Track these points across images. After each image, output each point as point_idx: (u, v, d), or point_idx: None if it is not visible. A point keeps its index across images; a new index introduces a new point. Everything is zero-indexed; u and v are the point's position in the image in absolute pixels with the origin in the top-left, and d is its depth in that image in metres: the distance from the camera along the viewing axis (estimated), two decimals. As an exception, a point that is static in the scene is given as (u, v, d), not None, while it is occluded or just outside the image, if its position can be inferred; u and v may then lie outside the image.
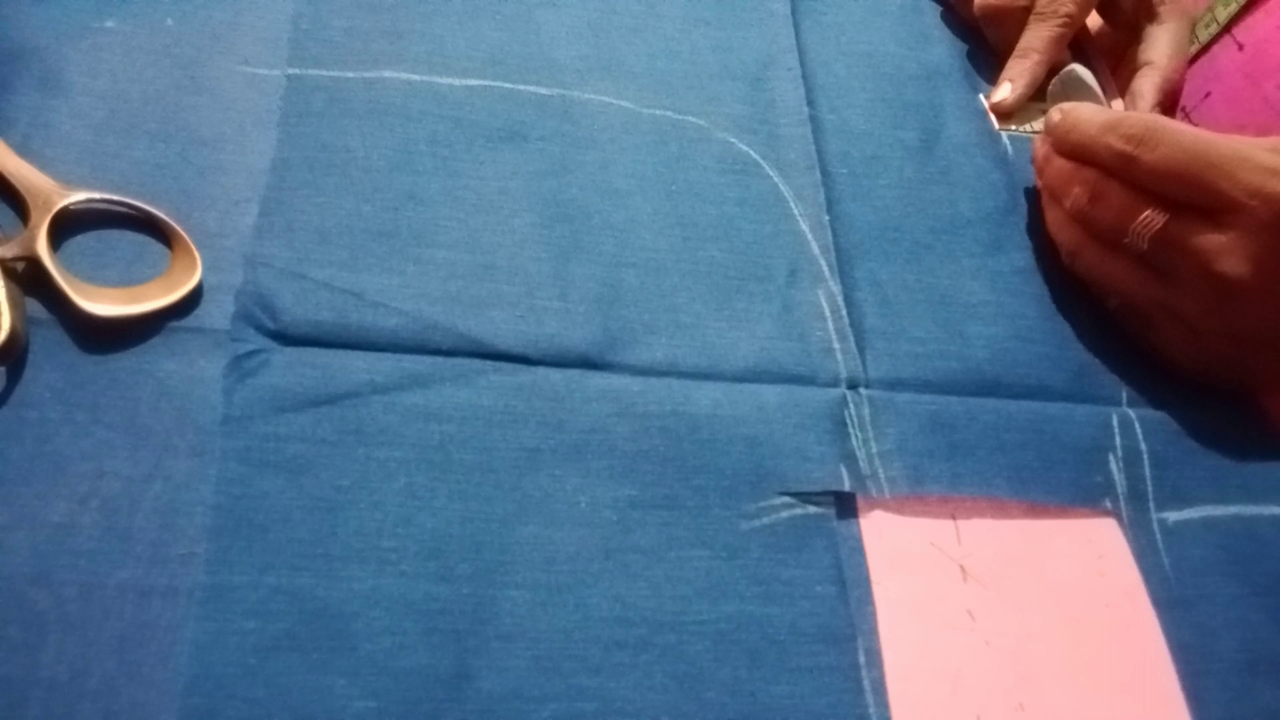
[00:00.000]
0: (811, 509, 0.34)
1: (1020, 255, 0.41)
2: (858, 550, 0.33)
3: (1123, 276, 0.38)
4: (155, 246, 0.33)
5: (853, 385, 0.36)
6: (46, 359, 0.31)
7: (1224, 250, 0.35)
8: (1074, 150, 0.39)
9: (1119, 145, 0.37)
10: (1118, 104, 0.46)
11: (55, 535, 0.28)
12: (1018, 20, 0.46)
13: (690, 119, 0.42)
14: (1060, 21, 0.45)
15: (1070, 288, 0.41)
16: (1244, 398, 0.40)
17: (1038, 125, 0.46)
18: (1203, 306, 0.37)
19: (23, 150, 0.33)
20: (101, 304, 0.31)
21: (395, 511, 0.31)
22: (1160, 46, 0.46)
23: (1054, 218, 0.41)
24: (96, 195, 0.33)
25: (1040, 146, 0.41)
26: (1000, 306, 0.40)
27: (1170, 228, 0.36)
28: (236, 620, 0.28)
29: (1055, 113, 0.40)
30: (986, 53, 0.48)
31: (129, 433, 0.30)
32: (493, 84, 0.40)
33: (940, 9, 0.50)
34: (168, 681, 0.27)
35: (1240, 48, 0.47)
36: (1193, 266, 0.36)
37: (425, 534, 0.30)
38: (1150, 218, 0.36)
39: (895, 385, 0.37)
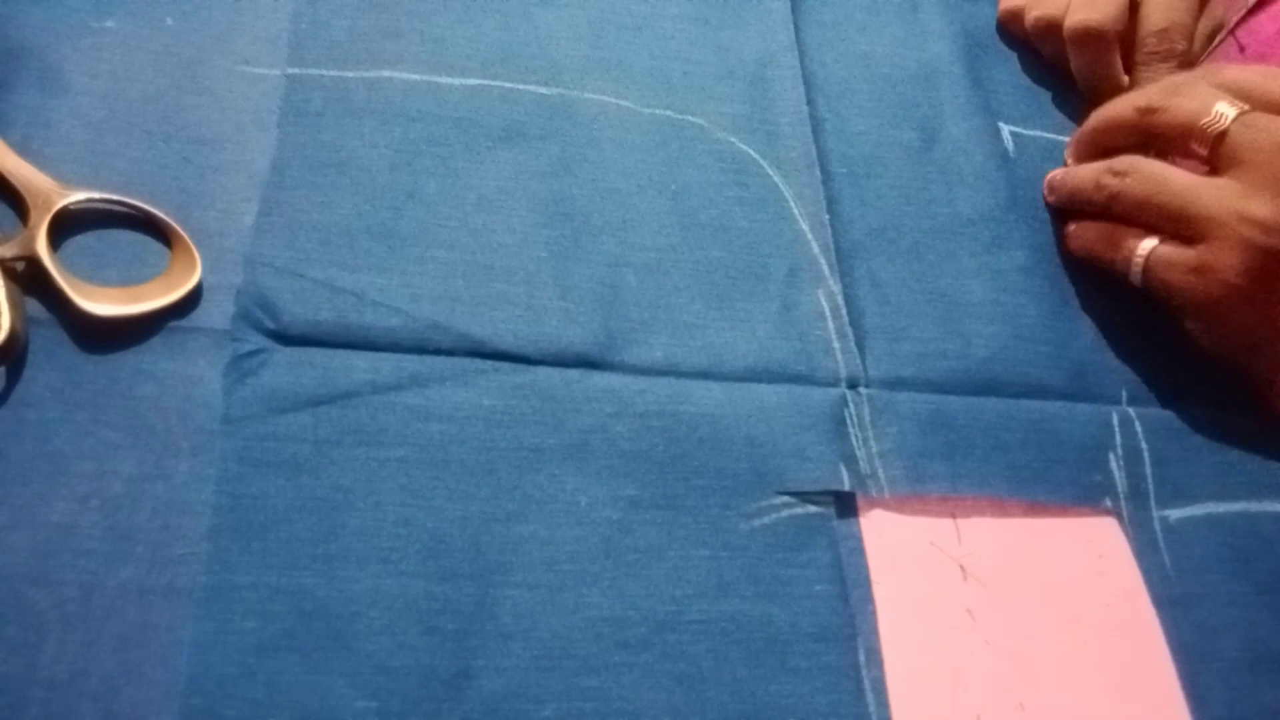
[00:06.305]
0: (811, 508, 0.34)
1: (1020, 254, 0.41)
2: (858, 550, 0.33)
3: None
4: (155, 246, 0.33)
5: (852, 385, 0.36)
6: (46, 359, 0.31)
7: (1202, 267, 0.36)
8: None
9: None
10: None
11: (55, 535, 0.28)
12: (1110, 47, 0.45)
13: (690, 119, 0.42)
14: (1175, 65, 0.44)
15: (1071, 286, 0.41)
16: (1246, 393, 0.40)
17: None
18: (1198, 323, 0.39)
19: (23, 150, 0.33)
20: (101, 304, 0.31)
21: (395, 511, 0.31)
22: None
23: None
24: (96, 195, 0.33)
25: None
26: (1000, 305, 0.40)
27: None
28: (236, 620, 0.28)
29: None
30: (987, 52, 0.48)
31: (129, 433, 0.30)
32: (493, 84, 0.40)
33: (939, 8, 0.49)
34: (168, 681, 0.27)
35: (1241, 49, 0.47)
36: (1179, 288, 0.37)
37: (425, 534, 0.30)
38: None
39: (895, 384, 0.37)
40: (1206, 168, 0.38)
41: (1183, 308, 0.38)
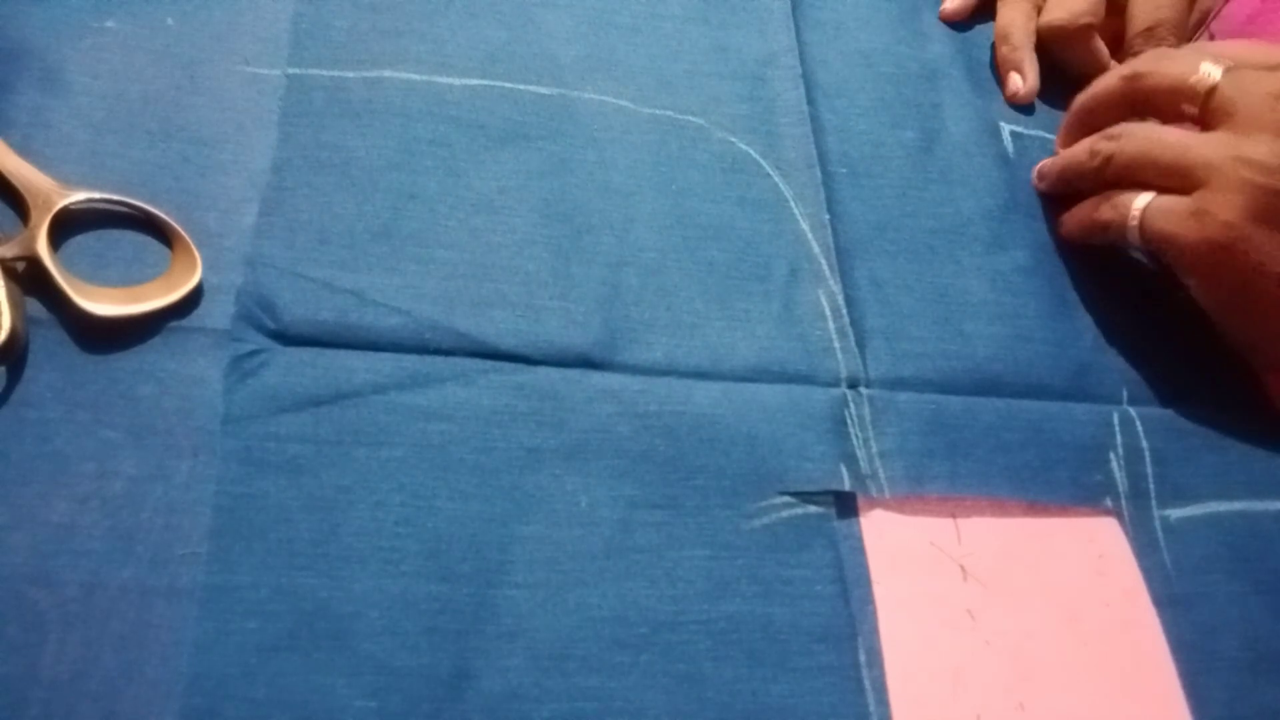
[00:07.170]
0: (812, 509, 0.34)
1: (1021, 254, 0.41)
2: (858, 550, 0.33)
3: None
4: (155, 246, 0.33)
5: (853, 385, 0.36)
6: (46, 359, 0.31)
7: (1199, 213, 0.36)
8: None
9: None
10: None
11: (56, 535, 0.28)
12: (1082, 40, 0.46)
13: (690, 119, 0.42)
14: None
15: (1071, 286, 0.41)
16: (1247, 392, 0.40)
17: None
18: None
19: (23, 150, 0.33)
20: (101, 304, 0.31)
21: (395, 511, 0.31)
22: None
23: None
24: (96, 195, 0.33)
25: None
26: (1000, 305, 0.40)
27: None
28: (237, 620, 0.28)
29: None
30: (987, 52, 0.48)
31: (130, 433, 0.30)
32: (493, 84, 0.40)
33: (939, 8, 0.49)
34: (168, 681, 0.27)
35: (1211, 38, 0.47)
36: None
37: (425, 534, 0.30)
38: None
39: (895, 385, 0.37)
40: (1197, 129, 0.38)
41: (1181, 258, 0.38)
